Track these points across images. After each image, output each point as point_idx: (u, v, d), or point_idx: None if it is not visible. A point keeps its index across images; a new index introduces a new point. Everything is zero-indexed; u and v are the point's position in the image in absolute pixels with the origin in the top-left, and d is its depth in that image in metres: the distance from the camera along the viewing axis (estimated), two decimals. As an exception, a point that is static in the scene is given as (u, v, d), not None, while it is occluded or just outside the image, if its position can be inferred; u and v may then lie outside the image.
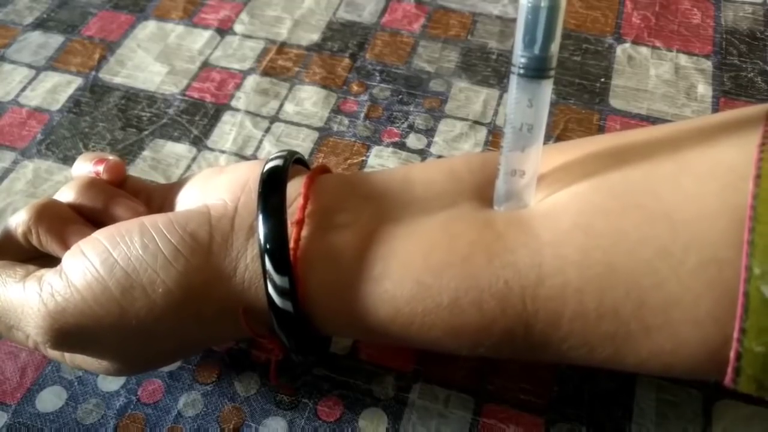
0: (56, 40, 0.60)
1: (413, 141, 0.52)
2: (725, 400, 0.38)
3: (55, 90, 0.56)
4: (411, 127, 0.52)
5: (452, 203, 0.30)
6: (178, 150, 0.52)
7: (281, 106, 0.55)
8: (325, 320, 0.31)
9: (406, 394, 0.39)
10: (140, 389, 0.39)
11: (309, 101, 0.55)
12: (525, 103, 0.27)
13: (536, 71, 0.26)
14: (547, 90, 0.27)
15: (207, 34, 0.60)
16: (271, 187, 0.30)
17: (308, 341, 0.32)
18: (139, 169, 0.51)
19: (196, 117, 0.54)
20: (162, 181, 0.50)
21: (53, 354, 0.36)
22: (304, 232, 0.30)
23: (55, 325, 0.29)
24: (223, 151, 0.52)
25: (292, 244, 0.29)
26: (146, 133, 0.53)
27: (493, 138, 0.51)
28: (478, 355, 0.30)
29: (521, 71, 0.26)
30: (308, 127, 0.53)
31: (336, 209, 0.31)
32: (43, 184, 0.50)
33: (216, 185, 0.33)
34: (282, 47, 0.59)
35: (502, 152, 0.29)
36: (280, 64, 0.58)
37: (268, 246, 0.28)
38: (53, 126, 0.54)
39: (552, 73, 0.26)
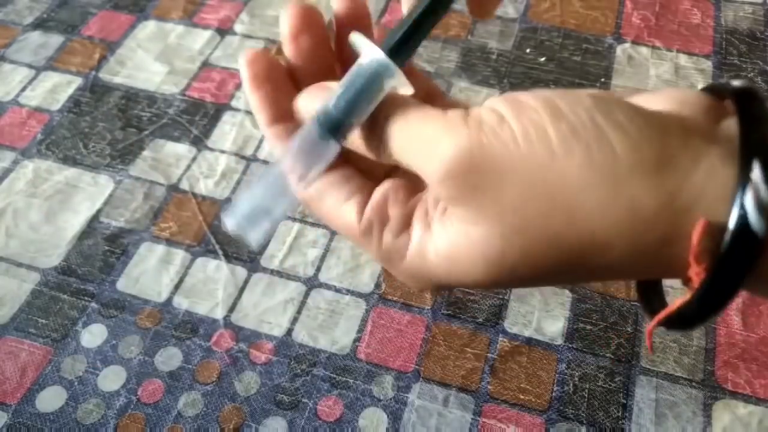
0: (56, 40, 0.60)
1: (413, 141, 0.51)
2: (725, 400, 0.39)
3: (55, 90, 0.56)
4: (411, 127, 0.52)
5: None
6: (178, 150, 0.52)
7: (281, 106, 0.54)
8: None
9: (405, 394, 0.39)
10: (140, 389, 0.39)
11: (309, 101, 0.55)
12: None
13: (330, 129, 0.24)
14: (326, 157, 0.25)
15: (207, 34, 0.60)
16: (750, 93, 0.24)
17: (734, 289, 0.24)
18: (139, 169, 0.51)
19: (196, 117, 0.54)
20: (162, 181, 0.50)
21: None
22: None
23: (470, 158, 0.24)
24: (223, 151, 0.52)
25: None
26: (146, 132, 0.53)
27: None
28: None
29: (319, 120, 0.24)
30: (308, 127, 0.53)
31: None
32: (43, 184, 0.50)
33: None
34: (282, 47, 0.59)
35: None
36: (280, 64, 0.58)
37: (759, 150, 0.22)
38: (53, 126, 0.54)
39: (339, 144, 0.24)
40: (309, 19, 0.29)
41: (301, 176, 0.25)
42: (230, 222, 0.24)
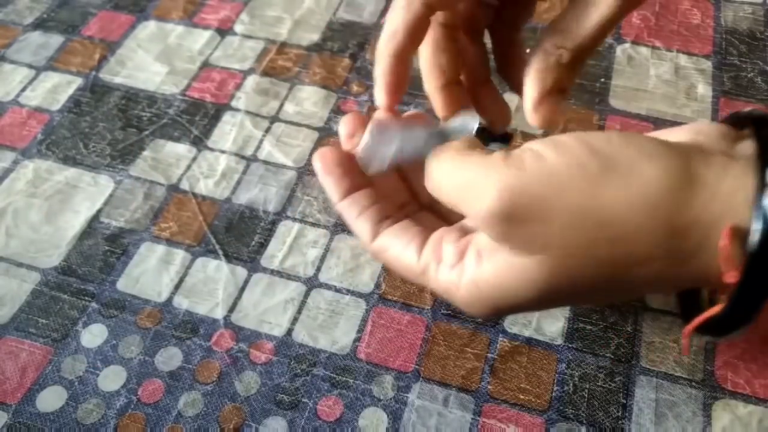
0: (56, 40, 0.60)
1: (413, 141, 0.52)
2: (724, 400, 0.39)
3: (56, 90, 0.56)
4: (411, 127, 0.52)
5: None
6: (178, 150, 0.52)
7: (281, 106, 0.55)
8: None
9: (405, 394, 0.39)
10: (140, 389, 0.40)
11: (309, 101, 0.55)
12: None
13: None
14: None
15: (207, 34, 0.60)
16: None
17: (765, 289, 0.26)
18: (140, 169, 0.51)
19: (196, 117, 0.54)
20: (162, 181, 0.50)
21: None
22: None
23: (512, 197, 0.26)
24: (223, 151, 0.52)
25: None
26: (146, 133, 0.53)
27: (493, 138, 0.51)
28: None
29: None
30: (308, 127, 0.53)
31: None
32: (43, 184, 0.50)
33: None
34: (282, 47, 0.59)
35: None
36: (280, 64, 0.58)
37: None
38: (53, 126, 0.54)
39: None
40: (359, 122, 0.35)
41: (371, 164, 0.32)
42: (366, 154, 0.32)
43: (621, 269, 0.26)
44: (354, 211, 0.33)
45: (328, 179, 0.34)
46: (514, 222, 0.26)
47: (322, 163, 0.34)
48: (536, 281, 0.27)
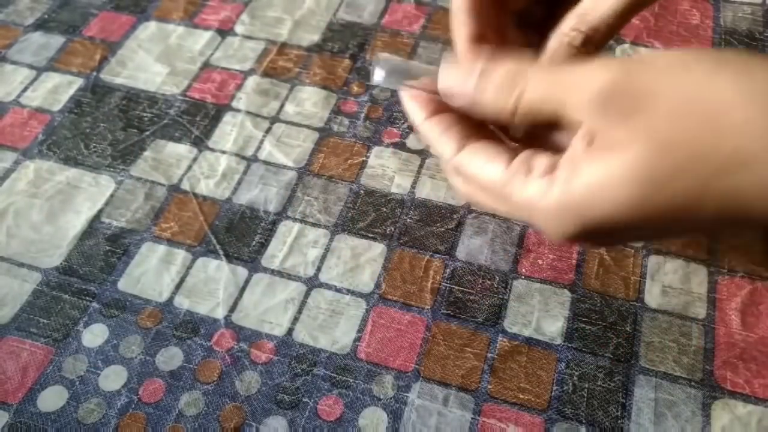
0: (57, 40, 0.60)
1: (413, 141, 0.52)
2: (724, 400, 0.39)
3: (56, 90, 0.56)
4: (411, 128, 0.53)
5: None
6: (179, 150, 0.52)
7: (282, 106, 0.55)
8: None
9: (405, 393, 0.39)
10: (141, 389, 0.40)
11: (309, 102, 0.55)
12: None
13: None
14: None
15: (208, 34, 0.61)
16: None
17: None
18: (141, 170, 0.51)
19: (196, 117, 0.54)
20: (163, 181, 0.50)
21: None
22: None
23: (622, 82, 0.25)
24: (223, 152, 0.52)
25: None
26: (147, 133, 0.53)
27: (493, 138, 0.51)
28: None
29: None
30: (308, 127, 0.53)
31: None
32: (44, 185, 0.50)
33: None
34: (282, 48, 0.59)
35: None
36: (280, 65, 0.58)
37: None
38: (54, 126, 0.54)
39: None
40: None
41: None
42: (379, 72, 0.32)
43: (722, 169, 0.24)
44: (439, 128, 0.31)
45: (412, 102, 0.32)
46: (620, 108, 0.25)
47: (414, 100, 0.32)
48: (639, 175, 0.24)
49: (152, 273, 0.45)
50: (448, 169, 0.33)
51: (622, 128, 0.25)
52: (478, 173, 0.29)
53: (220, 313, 0.43)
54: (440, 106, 0.32)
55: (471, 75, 0.29)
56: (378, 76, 0.32)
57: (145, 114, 0.55)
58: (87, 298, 0.44)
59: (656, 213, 0.25)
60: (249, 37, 0.60)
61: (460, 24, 0.34)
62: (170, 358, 0.41)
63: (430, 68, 0.32)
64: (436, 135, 0.31)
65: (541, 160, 0.28)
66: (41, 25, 0.62)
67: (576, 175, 0.26)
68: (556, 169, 0.27)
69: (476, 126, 0.31)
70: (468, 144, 0.30)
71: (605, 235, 0.28)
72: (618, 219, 0.26)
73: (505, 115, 0.28)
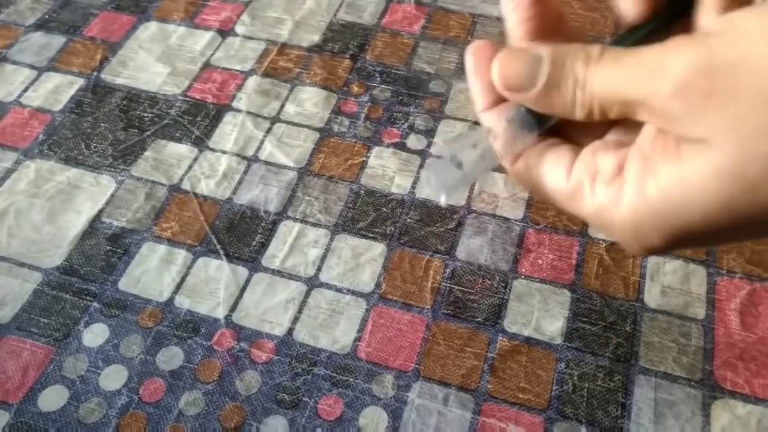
0: (58, 40, 0.61)
1: (413, 142, 0.52)
2: (723, 399, 0.39)
3: (57, 90, 0.57)
4: (411, 128, 0.53)
5: None
6: (179, 150, 0.52)
7: (282, 106, 0.55)
8: None
9: (405, 393, 0.39)
10: (142, 388, 0.40)
11: (310, 102, 0.55)
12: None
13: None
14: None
15: (208, 35, 0.61)
16: None
17: None
18: (141, 170, 0.51)
19: (197, 117, 0.54)
20: (164, 181, 0.50)
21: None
22: None
23: (704, 63, 0.22)
24: (224, 152, 0.52)
25: None
26: (148, 133, 0.53)
27: (493, 139, 0.51)
28: None
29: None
30: (309, 127, 0.53)
31: None
32: (45, 184, 0.50)
33: None
34: (283, 48, 0.59)
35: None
36: (281, 65, 0.58)
37: None
38: (55, 126, 0.54)
39: None
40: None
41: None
42: (436, 192, 0.26)
43: None
44: (497, 126, 0.26)
45: (477, 82, 0.27)
46: (703, 93, 0.21)
47: (476, 59, 0.27)
48: (724, 170, 0.21)
49: (153, 273, 0.45)
50: (510, 173, 0.29)
51: (704, 118, 0.22)
52: (541, 183, 0.26)
53: (220, 313, 0.43)
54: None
55: (536, 66, 0.25)
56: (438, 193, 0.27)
57: (145, 114, 0.55)
58: (87, 297, 0.44)
59: (751, 214, 0.22)
60: (249, 38, 0.60)
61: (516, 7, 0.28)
62: (171, 357, 0.41)
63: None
64: (495, 132, 0.27)
65: (607, 158, 0.24)
66: (42, 26, 0.62)
67: (651, 176, 0.23)
68: (625, 168, 0.23)
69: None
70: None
71: (690, 242, 0.24)
72: (705, 225, 0.22)
73: (577, 113, 0.25)
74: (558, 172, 0.25)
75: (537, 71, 0.25)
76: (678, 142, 0.22)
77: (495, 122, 0.27)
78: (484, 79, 0.27)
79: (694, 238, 0.23)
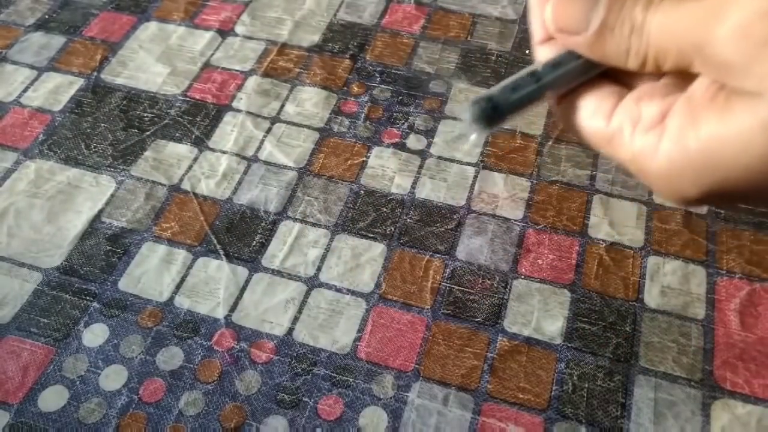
0: (58, 41, 0.61)
1: (413, 142, 0.52)
2: (723, 399, 0.39)
3: (57, 91, 0.57)
4: (411, 128, 0.53)
5: None
6: (179, 150, 0.52)
7: (282, 106, 0.55)
8: None
9: (405, 393, 0.39)
10: (142, 388, 0.40)
11: (310, 102, 0.55)
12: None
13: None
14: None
15: (208, 35, 0.61)
16: None
17: None
18: (141, 170, 0.51)
19: (197, 117, 0.54)
20: (163, 181, 0.50)
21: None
22: None
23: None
24: (224, 152, 0.52)
25: None
26: (148, 133, 0.53)
27: (493, 139, 0.51)
28: None
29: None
30: (309, 127, 0.53)
31: None
32: (45, 185, 0.50)
33: None
34: (283, 48, 0.59)
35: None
36: (281, 65, 0.58)
37: None
38: (55, 126, 0.54)
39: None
40: None
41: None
42: (468, 127, 0.24)
43: None
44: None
45: (536, 12, 0.26)
46: (765, 36, 0.20)
47: None
48: (765, 139, 0.20)
49: (153, 273, 0.45)
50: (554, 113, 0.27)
51: (760, 67, 0.20)
52: (581, 125, 0.25)
53: (220, 313, 0.43)
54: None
55: (591, 7, 0.23)
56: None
57: (145, 114, 0.55)
58: (87, 297, 0.44)
59: None
60: (249, 38, 0.60)
61: None
62: (170, 357, 0.41)
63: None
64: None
65: (651, 106, 0.23)
66: (42, 26, 0.62)
67: (692, 127, 0.21)
68: (667, 117, 0.22)
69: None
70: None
71: (728, 198, 0.23)
72: (745, 181, 0.21)
73: (630, 62, 0.23)
74: (599, 115, 0.24)
75: (591, 13, 0.23)
76: (729, 96, 0.21)
77: (549, 55, 0.25)
78: (543, 10, 0.25)
79: (732, 194, 0.22)
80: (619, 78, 0.25)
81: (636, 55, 0.23)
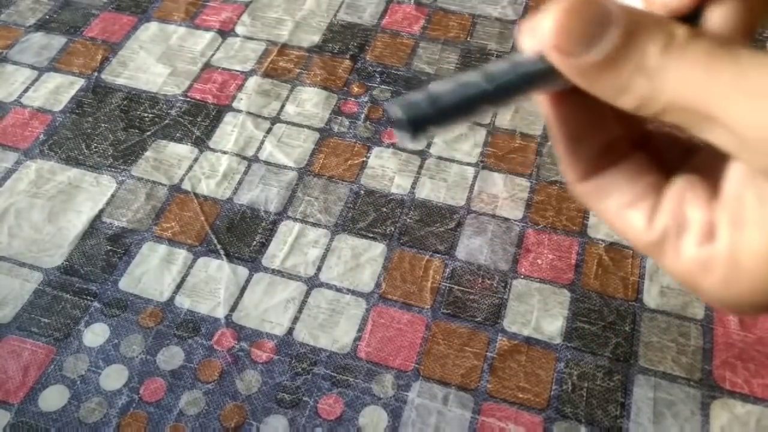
0: (59, 41, 0.61)
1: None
2: (723, 399, 0.39)
3: (58, 91, 0.57)
4: (411, 128, 0.53)
5: None
6: (180, 150, 0.52)
7: (282, 107, 0.55)
8: None
9: (405, 392, 0.39)
10: (142, 388, 0.40)
11: (310, 102, 0.55)
12: None
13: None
14: None
15: (209, 35, 0.61)
16: None
17: None
18: (142, 170, 0.51)
19: (197, 118, 0.54)
20: (164, 181, 0.50)
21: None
22: None
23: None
24: (224, 152, 0.52)
25: None
26: (148, 133, 0.53)
27: (492, 139, 0.51)
28: None
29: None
30: (309, 128, 0.53)
31: None
32: (45, 184, 0.50)
33: None
34: (283, 49, 0.59)
35: None
36: (281, 66, 0.58)
37: None
38: (56, 127, 0.54)
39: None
40: None
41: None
42: (399, 133, 0.19)
43: None
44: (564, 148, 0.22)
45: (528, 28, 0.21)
46: None
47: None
48: None
49: (153, 273, 0.45)
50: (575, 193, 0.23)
51: None
52: (615, 221, 0.22)
53: (220, 313, 0.43)
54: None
55: (604, 34, 0.18)
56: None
57: (146, 114, 0.55)
58: (88, 297, 0.44)
59: None
60: (250, 38, 0.61)
61: None
62: (171, 357, 0.41)
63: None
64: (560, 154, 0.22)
65: (698, 215, 0.20)
66: (42, 26, 0.62)
67: (742, 241, 0.19)
68: (716, 231, 0.20)
69: (598, 133, 0.22)
70: (596, 168, 0.22)
71: None
72: None
73: (624, 102, 0.19)
74: (637, 215, 0.21)
75: (602, 37, 0.18)
76: None
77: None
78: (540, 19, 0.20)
79: None
80: (621, 120, 0.21)
81: (635, 98, 0.18)
